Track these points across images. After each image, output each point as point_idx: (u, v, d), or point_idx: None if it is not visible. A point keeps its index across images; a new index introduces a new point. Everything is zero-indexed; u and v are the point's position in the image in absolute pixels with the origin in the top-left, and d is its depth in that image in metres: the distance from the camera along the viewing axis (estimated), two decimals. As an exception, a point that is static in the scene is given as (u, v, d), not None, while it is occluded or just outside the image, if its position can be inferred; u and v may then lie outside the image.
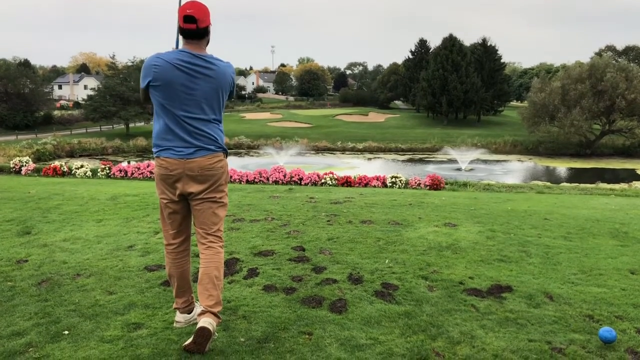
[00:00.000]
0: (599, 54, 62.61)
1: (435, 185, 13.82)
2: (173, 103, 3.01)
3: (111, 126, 55.47)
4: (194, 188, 3.10)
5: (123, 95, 50.14)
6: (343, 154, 47.75)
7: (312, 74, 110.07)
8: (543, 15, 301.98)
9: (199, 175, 3.08)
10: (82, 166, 15.29)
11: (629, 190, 16.04)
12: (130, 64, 56.49)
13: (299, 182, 14.20)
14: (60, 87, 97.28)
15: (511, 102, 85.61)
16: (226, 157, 3.25)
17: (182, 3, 3.06)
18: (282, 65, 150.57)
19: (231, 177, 13.75)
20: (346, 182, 14.10)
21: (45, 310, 3.61)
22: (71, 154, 39.78)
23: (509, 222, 7.09)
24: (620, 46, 78.64)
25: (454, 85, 62.82)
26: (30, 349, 3.03)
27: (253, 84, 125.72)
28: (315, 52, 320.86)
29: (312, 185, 13.88)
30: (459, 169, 36.12)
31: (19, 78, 54.07)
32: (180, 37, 3.10)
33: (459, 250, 5.43)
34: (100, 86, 54.37)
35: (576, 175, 34.89)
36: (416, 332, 3.38)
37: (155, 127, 3.13)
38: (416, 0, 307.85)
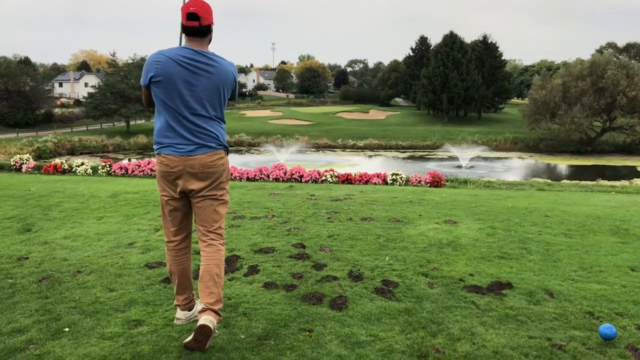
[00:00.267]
0: (600, 51, 62.57)
1: (436, 182, 13.81)
2: (174, 100, 3.01)
3: (112, 124, 55.48)
4: (195, 185, 3.09)
5: (124, 92, 50.15)
6: (343, 151, 47.74)
7: (313, 71, 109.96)
8: (544, 12, 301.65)
9: (199, 173, 3.08)
10: (82, 164, 15.30)
11: (629, 188, 16.02)
12: (130, 61, 56.47)
13: (299, 179, 14.20)
14: (60, 85, 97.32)
15: (512, 100, 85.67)
16: (227, 154, 3.25)
17: (186, 1, 3.06)
18: (283, 62, 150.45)
19: (231, 174, 13.74)
20: (347, 180, 14.10)
21: (45, 307, 3.62)
22: (72, 152, 39.79)
23: (509, 219, 7.08)
24: (621, 43, 78.70)
25: (454, 83, 62.77)
26: (31, 346, 3.03)
27: (254, 81, 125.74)
28: (315, 49, 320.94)
29: (312, 182, 13.88)
30: (459, 167, 36.10)
31: (20, 76, 54.09)
32: (183, 35, 3.10)
33: (459, 248, 5.43)
34: (101, 84, 54.35)
35: (577, 173, 34.86)
36: (416, 329, 3.38)
37: (156, 124, 3.13)
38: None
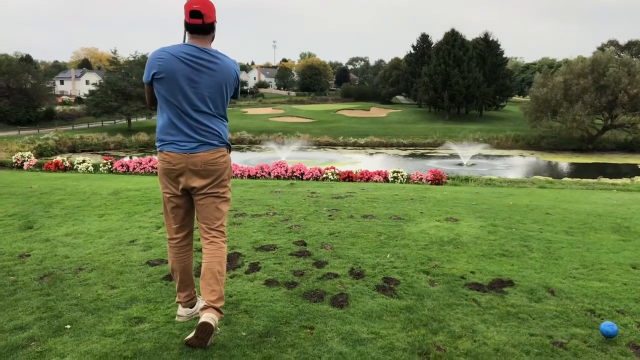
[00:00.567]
0: (602, 48, 62.32)
1: (437, 180, 13.80)
2: (177, 97, 3.01)
3: (113, 121, 55.48)
4: (197, 183, 3.09)
5: (125, 90, 50.14)
6: (345, 149, 47.71)
7: (314, 69, 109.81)
8: (545, 10, 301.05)
9: (202, 170, 3.08)
10: (84, 161, 15.31)
11: (631, 185, 16.00)
12: (132, 59, 56.43)
13: (300, 177, 14.20)
14: (62, 83, 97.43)
15: (513, 97, 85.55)
16: (229, 152, 3.25)
17: None
18: (284, 60, 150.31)
19: (233, 172, 13.75)
20: (348, 177, 14.10)
21: (47, 304, 3.63)
22: (73, 149, 39.85)
23: (510, 216, 7.08)
24: (623, 41, 78.44)
25: (455, 80, 62.67)
26: (33, 343, 3.04)
27: (255, 79, 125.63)
28: (317, 47, 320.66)
29: (313, 180, 13.88)
30: (460, 164, 36.06)
31: (21, 73, 54.07)
32: (186, 32, 3.10)
33: (460, 245, 5.43)
34: (102, 81, 54.35)
35: (578, 170, 34.80)
36: (417, 327, 3.38)
37: (158, 121, 3.13)
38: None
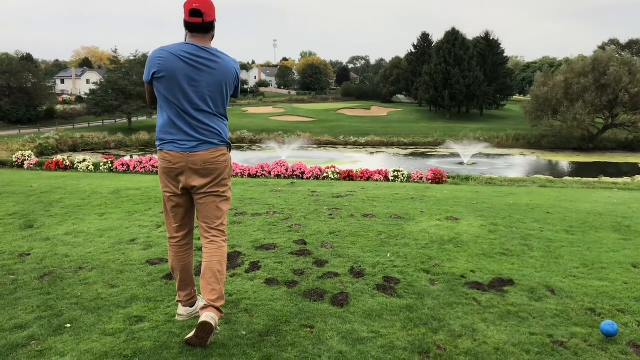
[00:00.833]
0: (602, 47, 62.19)
1: (438, 179, 13.80)
2: (177, 95, 3.00)
3: (114, 120, 55.45)
4: (197, 182, 3.09)
5: (125, 89, 50.12)
6: (345, 148, 47.68)
7: (315, 68, 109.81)
8: (546, 8, 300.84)
9: (202, 169, 3.07)
10: (84, 160, 15.32)
11: (631, 184, 16.00)
12: (132, 58, 56.42)
13: (301, 176, 14.20)
14: (62, 82, 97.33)
15: (514, 96, 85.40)
16: (230, 151, 3.25)
17: None
18: (285, 59, 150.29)
19: (233, 171, 13.74)
20: (348, 176, 14.10)
21: (47, 303, 3.63)
22: (74, 148, 39.84)
23: (511, 215, 7.08)
24: (623, 40, 78.32)
25: (456, 79, 62.62)
26: (33, 342, 3.04)
27: (255, 78, 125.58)
28: (317, 46, 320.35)
29: (314, 179, 13.88)
30: (461, 163, 36.04)
31: (22, 72, 54.02)
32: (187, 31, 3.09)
33: (460, 244, 5.43)
34: (103, 80, 54.34)
35: (579, 169, 34.78)
36: (418, 326, 3.38)
37: (158, 120, 3.12)
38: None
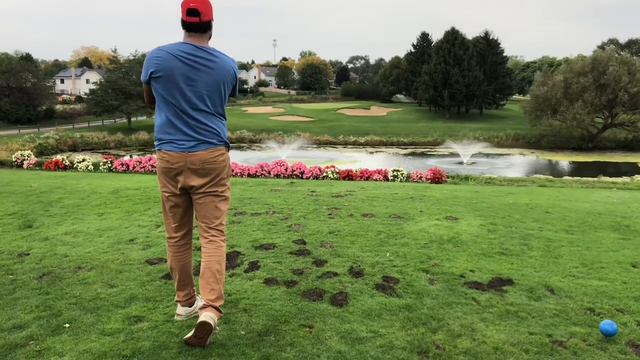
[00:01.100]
0: (602, 47, 62.23)
1: (437, 178, 13.80)
2: (175, 95, 3.00)
3: (113, 120, 55.47)
4: (195, 182, 3.09)
5: (125, 89, 50.14)
6: (345, 147, 47.67)
7: (314, 67, 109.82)
8: (546, 8, 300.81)
9: (200, 169, 3.07)
10: (83, 160, 15.32)
11: (631, 184, 16.01)
12: (132, 57, 56.42)
13: (300, 175, 14.20)
14: (62, 81, 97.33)
15: (513, 96, 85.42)
16: (228, 150, 3.24)
17: None
18: (284, 59, 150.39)
19: (232, 170, 13.75)
20: (347, 176, 14.10)
21: (46, 303, 3.62)
22: (73, 148, 39.83)
23: (510, 215, 7.08)
24: (623, 40, 78.48)
25: (456, 79, 62.64)
26: (31, 342, 3.03)
27: (255, 77, 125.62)
28: (317, 45, 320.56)
29: (313, 178, 13.88)
30: (460, 163, 36.05)
31: (21, 72, 54.00)
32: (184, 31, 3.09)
33: (460, 244, 5.43)
34: (102, 80, 54.32)
35: (578, 169, 34.79)
36: (417, 325, 3.38)
37: (157, 120, 3.12)
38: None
